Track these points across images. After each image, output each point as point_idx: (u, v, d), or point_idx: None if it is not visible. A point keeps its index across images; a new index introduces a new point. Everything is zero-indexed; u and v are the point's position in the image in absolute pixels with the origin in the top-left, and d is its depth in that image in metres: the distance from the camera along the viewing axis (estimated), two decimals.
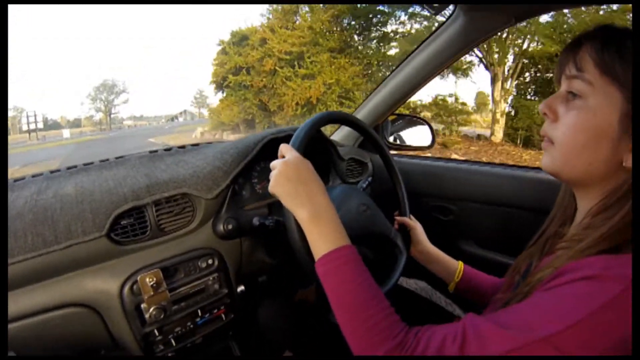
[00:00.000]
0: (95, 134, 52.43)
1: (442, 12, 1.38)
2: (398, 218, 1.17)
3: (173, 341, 1.07)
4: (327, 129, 1.30)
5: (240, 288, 1.19)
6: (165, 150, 1.26)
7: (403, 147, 1.73)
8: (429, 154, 1.74)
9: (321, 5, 14.89)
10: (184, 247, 1.07)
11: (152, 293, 0.97)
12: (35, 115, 53.44)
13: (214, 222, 1.12)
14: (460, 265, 1.12)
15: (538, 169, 1.44)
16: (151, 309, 0.98)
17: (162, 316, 0.99)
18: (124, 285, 0.96)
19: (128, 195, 0.98)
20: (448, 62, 1.36)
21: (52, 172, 1.10)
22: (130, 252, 0.99)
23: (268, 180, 1.30)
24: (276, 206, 1.26)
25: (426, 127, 1.67)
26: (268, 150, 1.17)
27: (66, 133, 49.59)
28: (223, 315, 1.16)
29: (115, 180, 1.03)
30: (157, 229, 1.02)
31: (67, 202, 0.93)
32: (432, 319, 1.13)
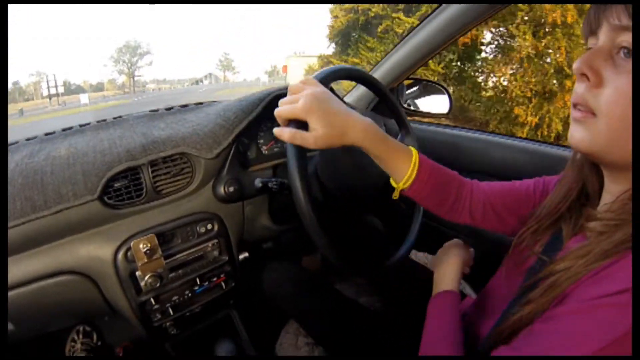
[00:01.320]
0: (117, 97, 49.57)
1: None
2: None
3: (171, 310, 1.04)
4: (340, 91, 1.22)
5: (244, 255, 1.14)
6: (167, 109, 1.18)
7: (419, 112, 1.65)
8: (445, 122, 1.65)
9: None
10: (182, 210, 1.01)
11: (145, 260, 0.92)
12: (55, 80, 52.45)
13: (214, 184, 1.05)
14: (413, 162, 0.76)
15: (556, 145, 1.36)
16: (146, 277, 0.93)
17: (158, 284, 0.95)
18: (117, 252, 0.92)
19: (122, 155, 0.92)
20: (471, 24, 1.26)
21: (46, 134, 1.04)
22: (124, 216, 0.94)
23: (275, 141, 1.26)
24: (281, 168, 1.20)
25: (444, 93, 1.59)
26: (275, 108, 1.09)
27: (84, 98, 40.76)
28: (223, 284, 1.12)
29: (110, 140, 0.97)
30: (153, 191, 0.96)
31: (58, 165, 0.88)
32: None
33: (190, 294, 1.06)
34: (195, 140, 1.00)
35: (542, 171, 1.25)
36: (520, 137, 1.44)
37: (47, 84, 51.95)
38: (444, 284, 0.83)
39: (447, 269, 0.86)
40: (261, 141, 1.23)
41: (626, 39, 0.49)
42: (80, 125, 1.09)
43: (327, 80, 0.79)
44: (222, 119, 1.05)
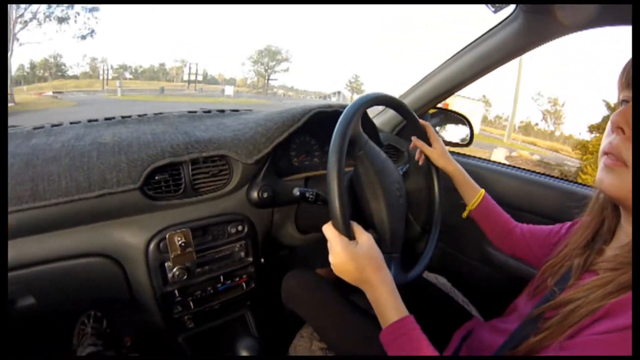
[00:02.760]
0: (250, 96, 49.12)
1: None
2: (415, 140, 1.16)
3: (192, 304, 1.07)
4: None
5: (265, 260, 1.19)
6: (205, 112, 1.24)
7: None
8: (464, 153, 1.70)
9: None
10: (216, 210, 1.06)
11: (179, 252, 0.96)
12: (197, 68, 54.26)
13: (248, 188, 1.10)
14: (480, 194, 1.14)
15: (567, 180, 1.41)
16: (175, 269, 0.97)
17: (185, 277, 0.99)
18: (150, 241, 0.96)
19: (166, 150, 0.96)
20: (499, 62, 1.32)
21: (89, 120, 1.09)
22: (161, 208, 0.98)
23: (306, 154, 1.32)
24: (313, 181, 1.24)
25: (466, 125, 1.64)
26: (312, 124, 1.14)
27: (228, 90, 42.65)
28: (244, 284, 1.16)
29: (153, 134, 1.02)
30: (191, 188, 1.01)
31: (104, 151, 0.92)
32: (449, 314, 1.14)
33: (212, 291, 1.10)
34: (237, 145, 1.04)
35: (553, 204, 1.31)
36: (532, 171, 1.49)
37: (189, 70, 53.84)
38: (389, 312, 0.74)
39: (379, 290, 0.75)
40: (293, 153, 1.28)
41: None
42: (122, 117, 1.14)
43: (367, 107, 0.87)
44: (264, 128, 1.09)
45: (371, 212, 0.95)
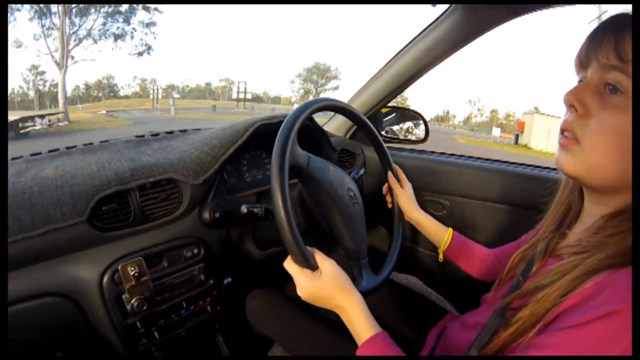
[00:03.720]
0: None
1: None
2: (390, 179, 1.19)
3: (156, 334, 1.04)
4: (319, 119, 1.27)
5: (227, 280, 1.16)
6: (152, 135, 1.21)
7: (396, 139, 1.70)
8: (423, 148, 1.71)
9: None
10: (169, 235, 1.03)
11: (133, 283, 0.93)
12: (245, 87, 54.28)
13: (200, 209, 1.07)
14: (448, 233, 1.14)
15: (527, 165, 1.43)
16: (133, 300, 0.94)
17: (144, 307, 0.95)
18: (104, 274, 0.92)
19: (111, 179, 0.93)
20: (445, 55, 1.33)
21: (32, 154, 1.05)
22: (112, 239, 0.94)
23: (257, 169, 1.31)
24: (265, 195, 1.23)
25: (420, 121, 1.65)
26: (259, 136, 1.13)
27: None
28: (209, 307, 1.13)
29: (98, 164, 0.98)
30: (140, 215, 0.98)
31: (46, 186, 0.88)
32: (423, 313, 1.14)
33: (176, 318, 1.06)
34: (183, 167, 1.02)
35: (512, 189, 1.32)
36: (491, 159, 1.51)
37: (238, 89, 54.43)
38: (363, 331, 0.74)
39: (351, 312, 0.76)
40: (244, 169, 1.26)
41: (612, 76, 0.55)
42: (67, 148, 1.10)
43: (306, 116, 0.86)
44: (209, 147, 1.07)
45: (331, 226, 0.94)
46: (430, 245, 1.55)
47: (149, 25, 29.52)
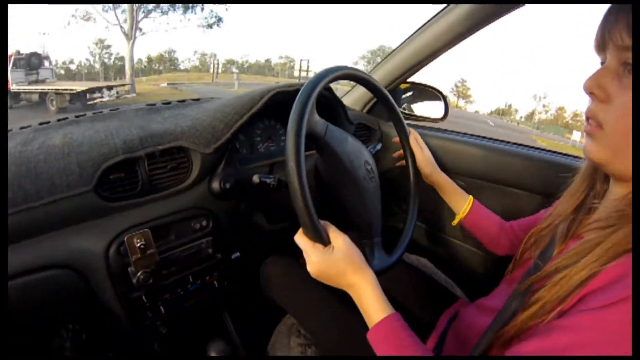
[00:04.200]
0: None
1: None
2: (410, 140, 1.16)
3: (162, 308, 1.02)
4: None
5: (236, 255, 1.13)
6: (164, 104, 1.17)
7: (414, 116, 1.65)
8: (440, 126, 1.65)
9: None
10: (177, 205, 1.00)
11: (139, 255, 0.90)
12: (308, 64, 53.40)
13: (210, 179, 1.04)
14: (469, 201, 1.14)
15: (548, 150, 1.37)
16: (139, 273, 0.91)
17: (150, 281, 0.93)
18: (110, 246, 0.90)
19: (119, 147, 0.90)
20: (470, 31, 1.26)
21: (40, 123, 1.02)
22: (118, 209, 0.92)
23: (270, 140, 1.26)
24: (278, 166, 1.19)
25: (440, 99, 1.59)
26: (274, 106, 1.09)
27: None
28: (216, 282, 1.11)
29: (106, 131, 0.95)
30: (148, 185, 0.95)
31: (52, 154, 0.85)
32: (434, 296, 1.11)
33: (182, 292, 1.04)
34: (194, 135, 0.99)
35: (531, 175, 1.28)
36: (516, 143, 1.45)
37: (300, 67, 53.73)
38: (374, 312, 0.72)
39: (363, 291, 0.74)
40: (257, 139, 1.22)
41: (629, 56, 0.53)
42: (76, 116, 1.07)
43: (326, 82, 0.81)
44: (222, 114, 1.03)
45: (344, 201, 0.90)
46: (442, 227, 1.52)
47: None
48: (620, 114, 0.55)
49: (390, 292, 1.09)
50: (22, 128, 0.99)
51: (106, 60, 63.26)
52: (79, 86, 15.66)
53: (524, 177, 1.31)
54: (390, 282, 1.13)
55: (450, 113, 1.62)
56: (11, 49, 19.14)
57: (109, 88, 16.06)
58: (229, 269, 1.13)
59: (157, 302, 1.01)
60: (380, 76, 1.51)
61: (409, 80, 1.54)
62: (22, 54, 18.70)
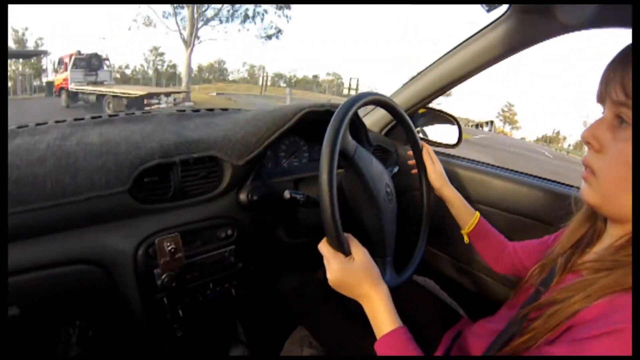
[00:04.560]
0: None
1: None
2: (423, 153, 1.20)
3: (180, 312, 1.04)
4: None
5: (251, 266, 1.16)
6: (194, 111, 1.20)
7: (428, 141, 1.69)
8: (453, 153, 1.69)
9: None
10: (205, 213, 1.02)
11: (168, 258, 0.92)
12: (357, 82, 50.30)
13: (238, 190, 1.06)
14: (475, 216, 1.16)
15: (556, 182, 1.42)
16: (164, 276, 0.93)
17: (173, 284, 0.95)
18: (139, 246, 0.92)
19: (156, 150, 0.92)
20: (492, 62, 1.30)
21: (75, 119, 1.04)
22: (150, 212, 0.94)
23: (294, 155, 1.30)
24: (303, 182, 1.22)
25: (454, 126, 1.63)
26: (301, 124, 1.11)
27: None
28: (234, 291, 1.13)
29: (142, 134, 0.97)
30: (180, 190, 0.97)
31: (90, 151, 0.87)
32: (439, 315, 1.15)
33: (202, 298, 1.06)
34: (227, 146, 1.01)
35: (538, 204, 1.32)
36: (519, 171, 1.50)
37: (349, 85, 50.29)
38: (385, 324, 0.75)
39: (376, 304, 0.77)
40: (282, 154, 1.25)
41: (623, 111, 0.58)
42: (109, 115, 1.09)
43: (359, 106, 0.87)
44: (254, 128, 1.06)
45: (363, 218, 0.94)
46: (448, 250, 1.56)
47: (282, 8, 27.54)
48: (610, 163, 0.60)
49: (398, 309, 1.13)
50: (57, 122, 1.01)
51: (159, 67, 64.58)
52: (138, 90, 15.67)
53: (530, 206, 1.35)
54: (398, 299, 1.16)
55: (497, 140, 1.65)
56: (72, 50, 19.05)
57: (167, 95, 15.98)
58: (248, 278, 1.15)
59: (177, 305, 1.02)
60: (402, 99, 1.55)
61: (428, 106, 1.59)
62: (82, 54, 18.67)
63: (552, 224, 1.27)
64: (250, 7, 26.13)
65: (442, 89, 1.46)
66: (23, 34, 47.76)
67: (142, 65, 66.12)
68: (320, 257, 0.78)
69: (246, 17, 26.53)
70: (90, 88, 17.21)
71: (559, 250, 0.80)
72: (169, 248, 0.92)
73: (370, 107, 1.64)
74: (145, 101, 14.70)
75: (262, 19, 27.16)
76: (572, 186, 1.34)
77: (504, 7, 1.19)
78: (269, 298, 1.19)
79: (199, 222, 1.00)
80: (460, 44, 1.35)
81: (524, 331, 0.66)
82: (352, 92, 48.73)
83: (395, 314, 0.77)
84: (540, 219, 1.33)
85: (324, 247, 0.79)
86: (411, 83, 1.52)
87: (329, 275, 0.78)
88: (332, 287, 0.79)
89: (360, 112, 1.39)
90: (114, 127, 1.00)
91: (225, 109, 1.28)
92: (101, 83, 18.56)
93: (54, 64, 21.50)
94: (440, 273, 1.59)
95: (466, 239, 1.18)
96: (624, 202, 0.58)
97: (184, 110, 1.19)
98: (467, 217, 1.16)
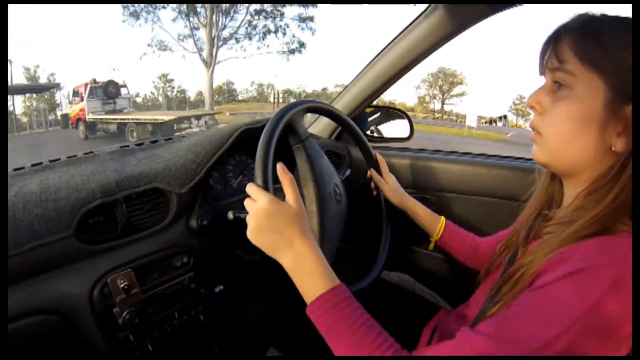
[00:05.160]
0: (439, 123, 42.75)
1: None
2: (371, 172, 1.23)
3: (150, 346, 1.02)
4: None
5: (219, 288, 1.15)
6: (137, 145, 1.20)
7: (380, 139, 1.71)
8: (408, 146, 1.71)
9: None
10: (157, 245, 1.02)
11: (124, 295, 0.91)
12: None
13: (187, 217, 1.07)
14: (441, 222, 1.19)
15: (511, 158, 1.45)
16: (124, 313, 0.92)
17: (136, 320, 0.94)
18: (93, 288, 0.91)
19: (96, 191, 0.92)
20: (427, 53, 1.34)
21: (15, 169, 1.03)
22: (99, 252, 0.93)
23: (243, 174, 1.31)
24: None
25: (404, 119, 1.66)
26: (243, 142, 1.13)
27: (471, 119, 26.89)
28: (201, 316, 1.12)
29: (82, 176, 0.97)
30: (128, 226, 0.97)
31: (30, 201, 0.87)
32: (416, 311, 1.14)
33: (169, 329, 1.05)
34: (168, 176, 1.02)
35: (497, 182, 1.34)
36: (474, 153, 1.54)
37: None
38: (317, 281, 0.71)
39: (306, 254, 0.73)
40: (230, 175, 1.26)
41: (557, 75, 0.66)
42: (50, 161, 1.09)
43: (290, 116, 0.90)
44: (194, 154, 1.07)
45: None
46: (419, 241, 1.56)
47: (305, 20, 26.72)
48: (552, 120, 0.68)
49: (372, 312, 1.13)
50: None
51: (169, 93, 65.74)
52: (165, 115, 15.13)
53: (491, 185, 1.38)
54: (371, 302, 1.16)
55: (517, 134, 1.66)
56: (84, 81, 18.72)
57: (197, 118, 15.38)
58: (214, 302, 1.14)
59: (145, 340, 1.01)
60: (344, 104, 1.57)
61: (373, 104, 1.61)
62: (98, 82, 18.23)
63: (516, 200, 1.30)
64: (272, 21, 26.02)
65: (382, 87, 1.49)
66: (35, 71, 48.50)
67: (152, 93, 67.13)
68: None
69: (268, 31, 26.27)
70: (109, 117, 16.64)
71: (521, 224, 0.84)
72: (123, 285, 0.91)
73: (315, 115, 1.65)
74: (176, 126, 14.23)
75: (284, 33, 26.77)
76: (528, 159, 1.37)
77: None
78: (240, 319, 1.18)
79: (152, 254, 1.00)
80: (392, 40, 1.39)
81: (495, 305, 0.68)
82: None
83: (331, 270, 0.72)
84: (501, 196, 1.35)
85: (251, 187, 0.77)
86: (351, 86, 1.55)
87: (250, 217, 0.75)
88: (251, 233, 0.76)
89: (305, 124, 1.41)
90: (53, 173, 1.00)
91: (170, 138, 1.28)
92: (120, 111, 18.07)
93: (68, 96, 20.89)
94: (415, 266, 1.60)
95: (432, 246, 1.21)
96: (569, 153, 0.66)
97: (128, 146, 1.19)
98: (434, 224, 1.18)
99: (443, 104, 63.73)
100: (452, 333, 0.87)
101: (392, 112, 1.71)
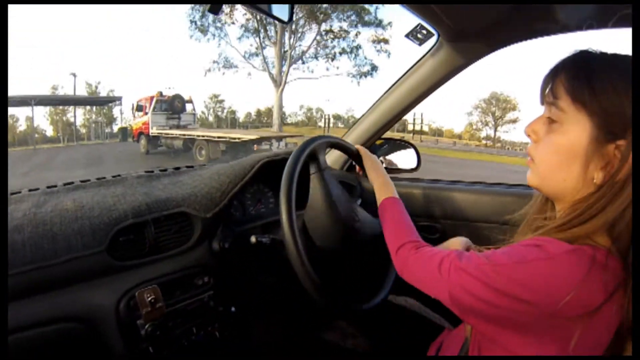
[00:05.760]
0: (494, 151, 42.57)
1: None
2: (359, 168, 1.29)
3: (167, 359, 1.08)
4: None
5: (232, 308, 1.22)
6: (161, 171, 1.30)
7: (390, 169, 1.77)
8: (417, 176, 1.78)
9: None
10: (181, 264, 1.10)
11: (149, 308, 0.99)
12: (422, 118, 47.11)
13: (210, 240, 1.15)
14: None
15: (509, 185, 1.54)
16: (147, 325, 0.99)
17: (157, 332, 1.01)
18: (120, 301, 0.98)
19: (128, 212, 1.01)
20: (433, 88, 1.44)
21: (48, 187, 1.12)
22: (128, 268, 1.01)
23: (260, 202, 1.40)
24: (270, 226, 1.31)
25: (412, 150, 1.72)
26: (262, 172, 1.22)
27: None
28: (217, 333, 1.18)
29: (114, 197, 1.06)
30: (155, 246, 1.05)
31: (66, 217, 0.95)
32: (423, 332, 1.19)
33: (187, 343, 1.11)
34: (194, 201, 1.11)
35: (499, 209, 1.41)
36: (477, 182, 1.64)
37: (414, 120, 46.38)
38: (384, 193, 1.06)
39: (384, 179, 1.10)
40: (248, 202, 1.36)
41: (551, 111, 0.71)
42: (81, 181, 1.17)
43: (310, 151, 1.01)
44: (218, 183, 1.16)
45: (320, 231, 1.05)
46: None
47: (379, 42, 25.03)
48: (544, 150, 0.73)
49: (381, 335, 1.19)
50: (30, 190, 1.09)
51: (219, 114, 67.75)
52: (245, 135, 14.45)
53: (493, 211, 1.46)
54: (380, 326, 1.22)
55: None
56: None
57: (278, 139, 14.52)
58: (230, 320, 1.21)
59: (163, 352, 1.07)
60: (355, 137, 1.67)
61: (383, 136, 1.70)
62: (164, 96, 17.46)
63: (514, 224, 1.35)
64: (345, 42, 24.63)
65: (393, 120, 1.59)
66: (96, 87, 50.34)
67: (202, 112, 67.45)
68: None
69: (340, 52, 24.88)
70: (177, 132, 15.74)
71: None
72: (149, 299, 0.98)
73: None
74: (256, 147, 13.57)
75: (355, 56, 25.15)
76: (524, 186, 1.45)
77: (434, 39, 1.32)
78: (253, 338, 1.24)
79: (176, 272, 1.08)
80: (402, 76, 1.48)
81: None
82: (417, 127, 45.28)
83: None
84: (503, 221, 1.41)
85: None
86: (363, 119, 1.64)
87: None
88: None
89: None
90: (86, 193, 1.09)
91: (191, 166, 1.37)
92: (184, 127, 17.23)
93: (132, 108, 19.78)
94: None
95: None
96: (554, 181, 0.72)
97: (152, 171, 1.29)
98: None
99: (495, 130, 61.02)
100: (454, 348, 0.94)
101: (399, 144, 1.77)
